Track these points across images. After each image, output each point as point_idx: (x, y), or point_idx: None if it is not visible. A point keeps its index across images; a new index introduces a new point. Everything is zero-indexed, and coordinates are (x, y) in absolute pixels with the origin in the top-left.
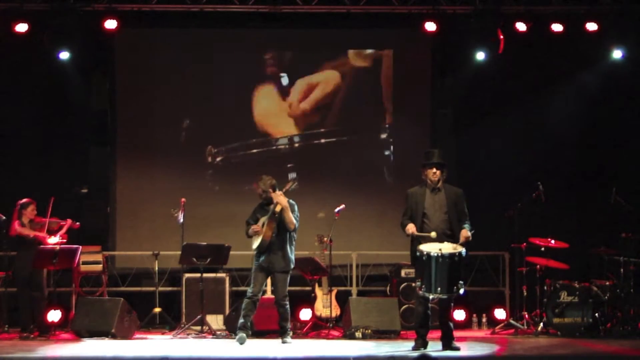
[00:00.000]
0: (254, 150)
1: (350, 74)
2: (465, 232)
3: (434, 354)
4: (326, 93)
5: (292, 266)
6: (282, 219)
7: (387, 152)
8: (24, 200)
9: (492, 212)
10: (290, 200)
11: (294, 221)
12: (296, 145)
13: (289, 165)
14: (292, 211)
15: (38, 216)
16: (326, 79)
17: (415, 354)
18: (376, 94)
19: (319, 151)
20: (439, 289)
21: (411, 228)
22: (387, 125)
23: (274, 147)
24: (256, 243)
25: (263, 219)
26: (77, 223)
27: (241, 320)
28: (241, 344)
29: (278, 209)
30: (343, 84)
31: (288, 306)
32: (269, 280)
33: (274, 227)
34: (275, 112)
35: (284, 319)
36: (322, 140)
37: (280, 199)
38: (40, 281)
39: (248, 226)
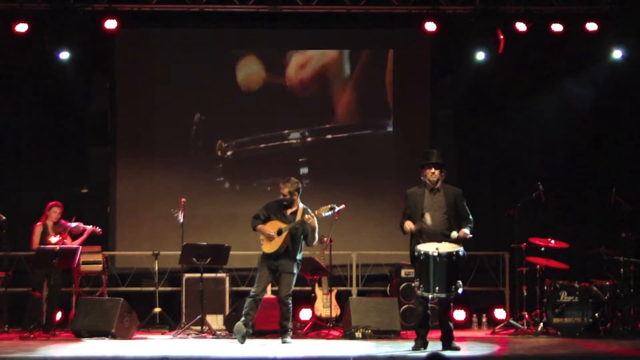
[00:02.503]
0: (250, 147)
1: (350, 74)
2: (463, 231)
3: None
4: (323, 63)
5: (300, 268)
6: (301, 232)
7: (387, 152)
8: (51, 202)
9: (492, 212)
10: (309, 210)
11: (315, 238)
12: (294, 143)
13: (287, 165)
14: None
15: (63, 219)
16: (323, 53)
17: (420, 353)
18: (376, 93)
19: (319, 151)
20: (437, 288)
21: (408, 225)
22: (387, 125)
23: (265, 145)
24: (270, 249)
25: (283, 227)
26: (100, 229)
27: (242, 319)
28: (242, 338)
29: (312, 222)
30: (340, 61)
31: (291, 305)
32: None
33: (289, 238)
34: (275, 100)
35: (286, 318)
36: (328, 136)
37: (312, 220)
38: (57, 282)
39: (257, 220)
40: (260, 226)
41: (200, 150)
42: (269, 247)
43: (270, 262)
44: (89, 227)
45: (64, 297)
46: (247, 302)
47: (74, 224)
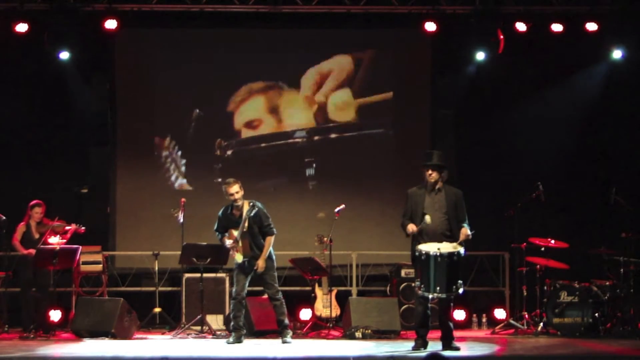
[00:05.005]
0: (253, 146)
1: (350, 74)
2: (465, 231)
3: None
4: (340, 81)
5: (275, 261)
6: (258, 228)
7: (387, 152)
8: (33, 202)
9: (492, 212)
10: (258, 204)
11: (272, 253)
12: (292, 144)
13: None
14: (266, 216)
15: (46, 218)
16: (339, 66)
17: (420, 353)
18: (376, 94)
19: (319, 152)
20: (437, 288)
21: (411, 227)
22: (387, 125)
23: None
24: (239, 258)
25: (236, 234)
26: (83, 228)
27: (232, 323)
28: (239, 342)
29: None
30: (355, 69)
31: (283, 300)
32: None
33: (248, 240)
34: (284, 107)
35: (281, 313)
36: (327, 137)
37: (259, 264)
38: (45, 282)
39: (220, 235)
40: (224, 239)
41: (199, 150)
42: (238, 257)
43: (245, 268)
44: (72, 226)
45: (64, 297)
46: (232, 305)
47: (57, 223)
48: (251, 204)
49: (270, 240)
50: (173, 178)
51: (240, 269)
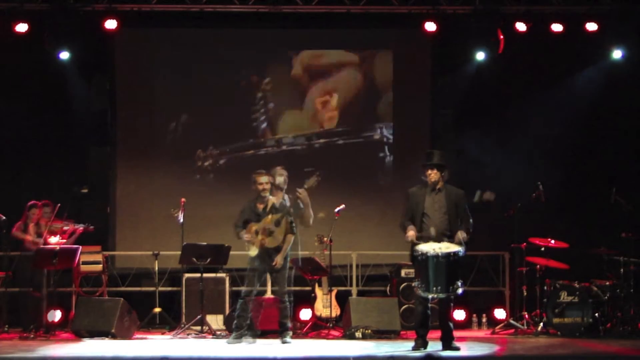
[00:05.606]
0: (250, 152)
1: (351, 74)
2: (461, 234)
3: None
4: (345, 98)
5: (289, 261)
6: (280, 221)
7: (387, 152)
8: (30, 202)
9: (492, 212)
10: (284, 201)
11: (311, 215)
12: (295, 145)
13: (281, 166)
14: (290, 214)
15: (44, 218)
16: (344, 82)
17: (419, 353)
18: (376, 94)
19: (320, 151)
20: (435, 288)
21: (411, 236)
22: (387, 125)
23: (272, 148)
24: (253, 251)
25: (256, 227)
26: (81, 228)
27: (235, 322)
28: (239, 342)
29: (304, 198)
30: (359, 84)
31: (288, 303)
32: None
33: (267, 234)
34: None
35: (284, 316)
36: (322, 140)
37: (302, 196)
38: (40, 281)
39: (237, 228)
40: (241, 233)
41: (197, 151)
42: (253, 251)
43: (258, 264)
44: (70, 227)
45: (64, 297)
46: (239, 304)
47: (54, 224)
48: (284, 195)
49: (291, 238)
50: (258, 124)
51: (254, 269)
